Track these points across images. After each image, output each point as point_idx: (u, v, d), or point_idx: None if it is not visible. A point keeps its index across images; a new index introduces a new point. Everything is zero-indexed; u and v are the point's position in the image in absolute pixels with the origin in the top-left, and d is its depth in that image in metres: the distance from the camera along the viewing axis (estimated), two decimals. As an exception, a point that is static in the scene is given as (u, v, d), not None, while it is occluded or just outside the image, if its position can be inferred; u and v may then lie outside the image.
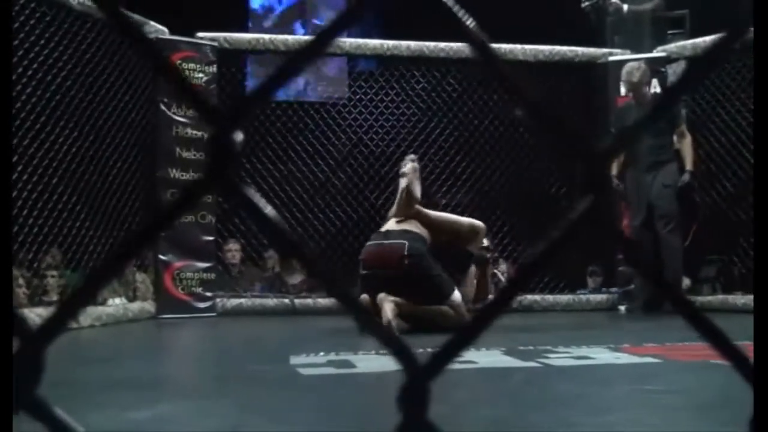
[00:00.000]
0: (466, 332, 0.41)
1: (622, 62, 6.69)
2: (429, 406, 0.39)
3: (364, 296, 4.52)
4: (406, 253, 4.53)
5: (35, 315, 4.33)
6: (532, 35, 7.25)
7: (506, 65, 0.41)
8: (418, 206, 4.85)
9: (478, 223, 5.06)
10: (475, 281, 5.16)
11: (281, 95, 7.94)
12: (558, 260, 0.41)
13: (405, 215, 4.81)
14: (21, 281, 4.97)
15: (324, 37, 0.41)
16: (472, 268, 5.12)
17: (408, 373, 0.39)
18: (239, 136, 0.38)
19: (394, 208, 4.96)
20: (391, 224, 4.82)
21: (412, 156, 5.10)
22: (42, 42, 5.25)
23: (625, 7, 7.62)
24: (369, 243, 4.80)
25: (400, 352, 0.40)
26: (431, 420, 0.39)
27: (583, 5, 8.01)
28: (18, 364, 0.37)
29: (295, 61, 0.40)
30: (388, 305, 4.37)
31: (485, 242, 5.23)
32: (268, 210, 0.40)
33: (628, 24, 7.69)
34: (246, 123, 0.39)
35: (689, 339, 3.46)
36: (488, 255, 5.32)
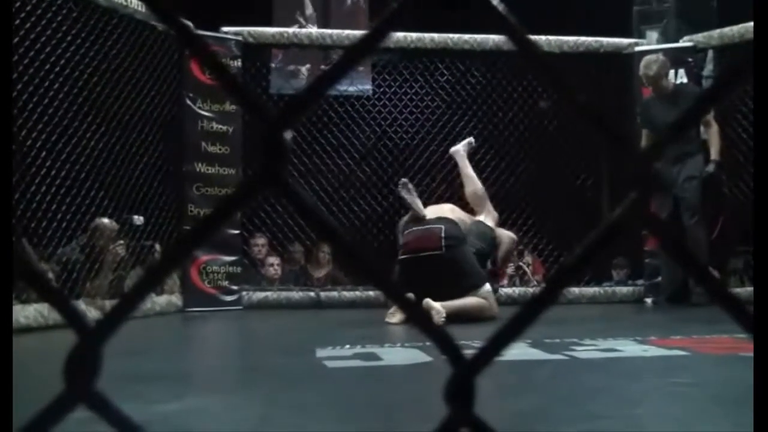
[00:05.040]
0: (511, 327, 0.41)
1: (649, 52, 6.62)
2: (475, 400, 0.39)
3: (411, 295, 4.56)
4: (443, 235, 4.76)
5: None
6: (559, 26, 7.19)
7: (550, 57, 0.41)
8: (457, 210, 5.24)
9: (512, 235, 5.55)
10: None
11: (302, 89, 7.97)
12: (603, 256, 0.41)
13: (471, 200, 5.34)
14: (51, 275, 5.02)
15: (378, 32, 0.40)
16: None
17: (455, 367, 0.40)
18: (289, 135, 0.39)
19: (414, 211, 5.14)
20: (428, 212, 5.08)
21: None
22: (69, 38, 5.29)
23: None
24: (407, 231, 4.96)
25: (446, 345, 0.40)
26: (478, 414, 0.40)
27: None
28: (76, 359, 0.38)
29: (348, 57, 0.40)
30: (435, 310, 4.44)
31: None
32: (322, 212, 0.40)
33: (661, 8, 7.62)
34: (297, 122, 0.39)
35: (717, 332, 3.44)
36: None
